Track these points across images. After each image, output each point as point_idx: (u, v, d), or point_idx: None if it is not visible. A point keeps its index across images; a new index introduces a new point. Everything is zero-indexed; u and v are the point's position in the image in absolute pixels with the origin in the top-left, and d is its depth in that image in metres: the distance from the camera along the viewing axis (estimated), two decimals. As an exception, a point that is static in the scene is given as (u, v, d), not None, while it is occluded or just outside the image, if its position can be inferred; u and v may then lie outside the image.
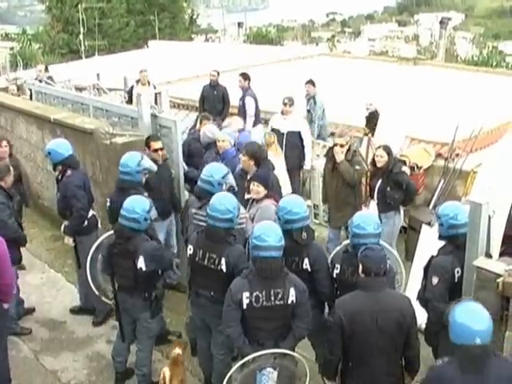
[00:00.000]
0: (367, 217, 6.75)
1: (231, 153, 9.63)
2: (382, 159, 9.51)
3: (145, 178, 8.39)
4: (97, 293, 8.00)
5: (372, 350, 5.77)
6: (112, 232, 7.58)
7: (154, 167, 8.58)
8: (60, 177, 8.77)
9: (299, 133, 12.15)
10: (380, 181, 9.55)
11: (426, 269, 6.77)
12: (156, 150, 9.03)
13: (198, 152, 9.96)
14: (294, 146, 11.51)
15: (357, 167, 9.60)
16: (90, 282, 7.96)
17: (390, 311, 5.72)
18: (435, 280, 6.49)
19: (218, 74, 15.52)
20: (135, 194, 7.74)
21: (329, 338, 5.93)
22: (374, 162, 9.73)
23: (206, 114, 11.52)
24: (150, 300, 7.28)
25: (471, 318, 4.91)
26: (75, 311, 9.33)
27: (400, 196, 9.46)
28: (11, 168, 8.81)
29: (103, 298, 8.04)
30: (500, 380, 4.84)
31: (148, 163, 8.41)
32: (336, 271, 6.76)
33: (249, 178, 8.44)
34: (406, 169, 10.18)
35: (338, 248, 7.25)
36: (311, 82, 14.02)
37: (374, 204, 9.74)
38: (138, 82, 15.61)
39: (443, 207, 6.85)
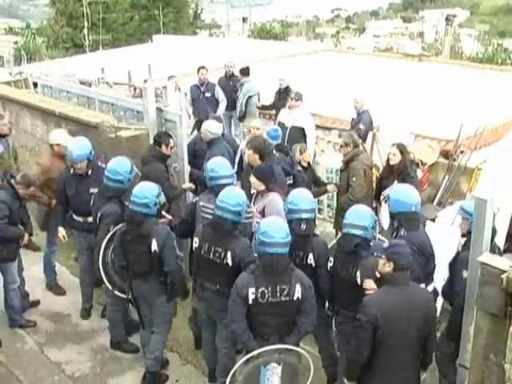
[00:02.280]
0: (359, 208, 6.85)
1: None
2: (394, 157, 9.39)
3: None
4: (110, 288, 8.01)
5: (402, 346, 5.84)
6: (119, 227, 7.62)
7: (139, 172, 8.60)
8: (85, 173, 8.77)
9: (303, 129, 12.13)
10: (395, 182, 9.23)
11: (452, 264, 6.80)
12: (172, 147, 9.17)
13: (203, 153, 9.93)
14: (295, 141, 11.49)
15: (352, 179, 9.34)
16: (104, 278, 7.95)
17: (419, 304, 5.84)
18: (466, 273, 6.48)
19: (234, 65, 15.55)
20: (118, 202, 7.91)
21: (359, 338, 5.82)
22: (388, 161, 9.61)
23: (202, 119, 11.46)
24: (165, 283, 7.37)
25: (406, 194, 7.20)
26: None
27: None
28: (33, 185, 8.82)
29: (117, 293, 8.05)
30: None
31: (135, 168, 8.32)
32: (330, 264, 6.81)
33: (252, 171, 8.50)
34: (419, 172, 10.11)
35: (334, 241, 7.26)
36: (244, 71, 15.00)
37: (385, 207, 9.57)
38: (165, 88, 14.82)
39: (472, 205, 6.81)
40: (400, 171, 9.37)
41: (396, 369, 5.87)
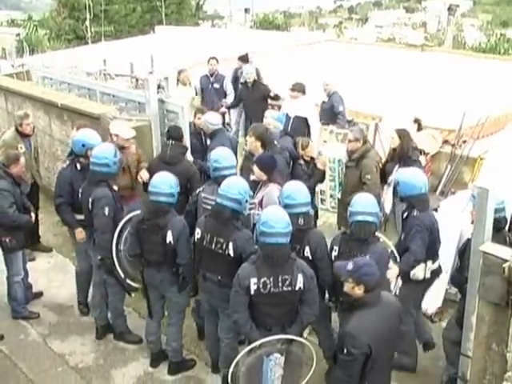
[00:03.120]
0: (364, 197, 6.87)
1: (275, 137, 9.62)
2: (393, 141, 9.52)
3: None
4: (123, 276, 8.01)
5: (389, 362, 5.78)
6: (135, 214, 7.66)
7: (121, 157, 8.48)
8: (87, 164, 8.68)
9: (306, 119, 12.13)
10: (397, 166, 9.34)
11: (462, 252, 6.81)
12: None
13: (196, 148, 9.93)
14: (298, 131, 11.42)
15: (367, 177, 9.17)
16: (117, 266, 7.93)
17: (393, 313, 5.73)
18: None
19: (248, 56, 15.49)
20: (105, 186, 7.87)
21: (350, 371, 5.42)
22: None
23: (201, 107, 11.47)
24: (177, 274, 7.39)
25: (413, 177, 7.44)
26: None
27: None
28: (22, 157, 8.87)
29: (129, 282, 8.07)
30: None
31: (118, 153, 8.26)
32: (334, 253, 6.81)
33: (254, 159, 8.50)
34: (422, 159, 10.09)
35: (339, 231, 7.26)
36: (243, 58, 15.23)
37: (389, 190, 9.67)
38: (177, 81, 14.52)
39: None
40: (400, 155, 9.41)
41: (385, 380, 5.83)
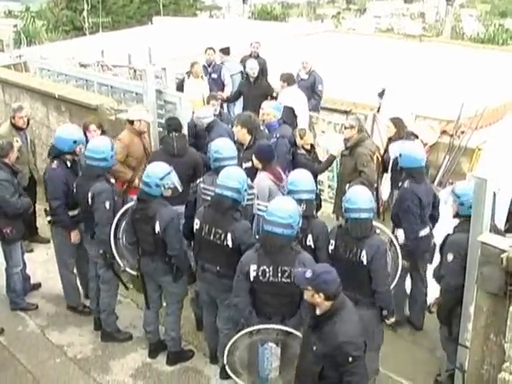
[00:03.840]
0: (360, 192, 6.77)
1: (274, 125, 9.68)
2: (388, 129, 9.71)
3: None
4: (122, 264, 8.01)
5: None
6: (132, 204, 7.69)
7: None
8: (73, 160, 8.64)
9: (292, 108, 12.08)
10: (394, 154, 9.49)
11: (442, 247, 6.83)
12: None
13: (203, 134, 9.92)
14: (286, 120, 11.39)
15: (363, 164, 9.18)
16: (116, 255, 7.93)
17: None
18: (450, 257, 6.56)
19: (259, 45, 15.48)
20: (103, 180, 7.85)
21: (363, 372, 5.37)
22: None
23: (213, 94, 11.54)
24: (170, 264, 7.38)
25: (416, 151, 8.09)
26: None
27: None
28: (14, 144, 8.87)
29: (128, 269, 8.07)
30: (429, 185, 8.32)
31: (115, 146, 8.23)
32: (331, 247, 6.77)
33: (245, 148, 8.62)
34: (418, 142, 10.08)
35: (335, 224, 7.25)
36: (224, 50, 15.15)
37: (387, 177, 9.74)
38: (188, 74, 13.97)
39: (463, 187, 6.88)
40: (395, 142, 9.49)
41: None
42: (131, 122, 9.18)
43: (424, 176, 8.24)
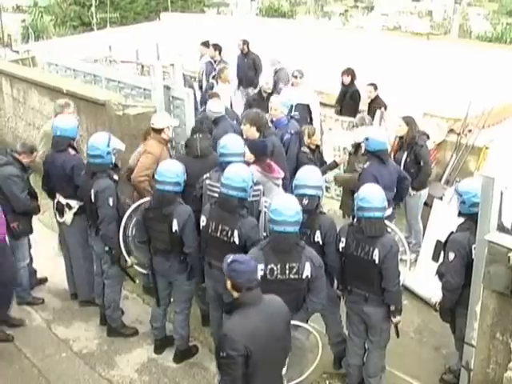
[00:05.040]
0: (373, 191, 6.74)
1: (283, 121, 9.74)
2: (399, 128, 9.74)
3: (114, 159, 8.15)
4: (129, 262, 8.06)
5: (273, 366, 5.39)
6: (143, 202, 7.74)
7: (123, 146, 8.39)
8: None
9: (308, 106, 12.10)
10: (405, 154, 9.60)
11: (445, 245, 6.82)
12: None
13: (211, 130, 9.92)
14: (301, 118, 11.39)
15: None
16: (124, 253, 7.99)
17: (277, 314, 5.31)
18: (451, 256, 6.56)
19: (244, 42, 15.58)
20: (106, 177, 7.84)
21: (232, 375, 5.06)
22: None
23: (215, 92, 11.51)
24: (186, 262, 7.43)
25: (381, 134, 8.66)
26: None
27: (415, 171, 9.47)
28: (35, 153, 8.85)
29: (136, 267, 8.12)
30: (394, 167, 8.83)
31: (116, 142, 8.13)
32: (341, 244, 6.76)
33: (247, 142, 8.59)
34: (429, 143, 10.09)
35: (345, 222, 7.24)
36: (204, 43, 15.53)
37: None
38: (216, 78, 13.53)
39: (465, 185, 6.87)
40: (409, 141, 9.62)
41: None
42: (158, 131, 8.91)
43: (388, 158, 8.79)
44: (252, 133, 8.78)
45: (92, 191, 7.79)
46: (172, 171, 7.27)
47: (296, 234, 6.22)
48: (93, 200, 7.82)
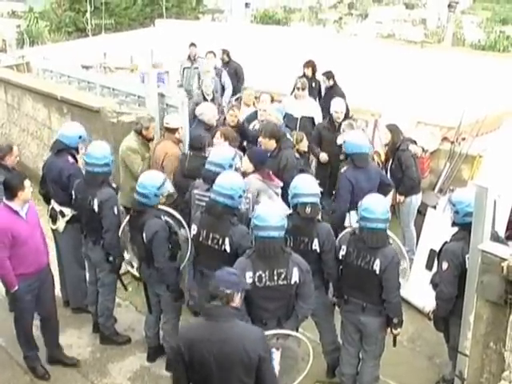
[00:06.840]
0: (377, 201, 6.72)
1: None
2: (386, 136, 9.81)
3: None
4: (130, 267, 8.11)
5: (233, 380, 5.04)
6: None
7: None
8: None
9: (313, 118, 11.96)
10: (391, 160, 9.65)
11: (439, 254, 6.82)
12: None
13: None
14: (307, 131, 11.30)
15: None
16: (130, 259, 8.03)
17: (230, 345, 4.94)
18: (445, 265, 6.57)
19: (224, 52, 15.42)
20: (107, 186, 7.84)
21: (173, 364, 5.42)
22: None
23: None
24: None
25: (359, 138, 8.72)
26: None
27: (401, 177, 9.48)
28: (14, 148, 8.83)
29: (130, 269, 8.14)
30: (375, 173, 8.71)
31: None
32: (342, 252, 6.76)
33: (269, 155, 8.61)
34: (416, 148, 10.04)
35: (346, 230, 7.24)
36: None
37: None
38: (239, 100, 13.16)
39: (458, 195, 6.87)
40: (392, 148, 9.70)
41: None
42: (172, 131, 9.02)
43: (367, 163, 8.68)
44: (271, 145, 8.83)
45: (95, 201, 7.71)
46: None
47: (281, 239, 6.23)
48: (96, 210, 7.74)
